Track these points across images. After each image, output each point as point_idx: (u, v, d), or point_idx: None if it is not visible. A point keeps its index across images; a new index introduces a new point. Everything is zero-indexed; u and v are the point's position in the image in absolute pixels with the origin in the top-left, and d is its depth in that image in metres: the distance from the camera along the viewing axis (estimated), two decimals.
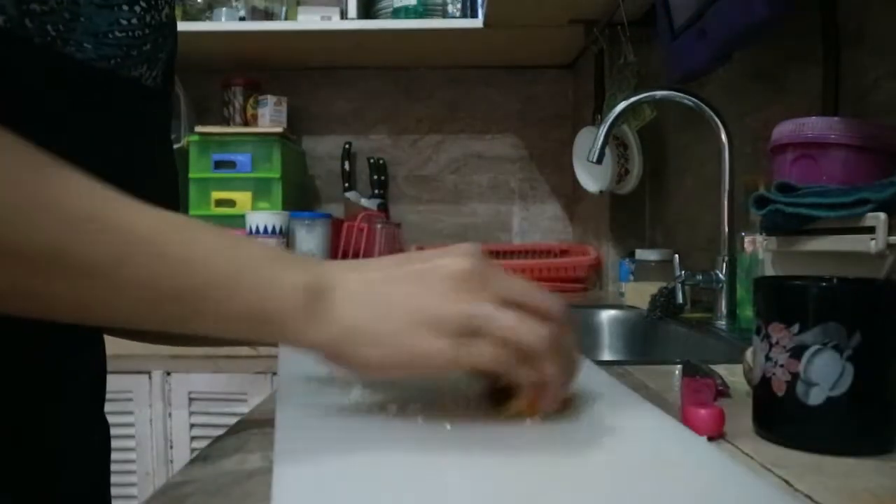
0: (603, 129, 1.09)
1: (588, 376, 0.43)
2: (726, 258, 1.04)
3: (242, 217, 1.75)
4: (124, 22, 0.44)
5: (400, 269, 0.37)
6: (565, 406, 0.39)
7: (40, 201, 0.31)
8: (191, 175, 1.83)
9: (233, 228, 1.83)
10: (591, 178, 1.65)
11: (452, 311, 0.35)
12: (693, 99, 1.07)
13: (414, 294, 0.35)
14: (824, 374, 0.44)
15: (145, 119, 0.49)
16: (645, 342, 1.18)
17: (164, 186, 0.54)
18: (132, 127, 0.47)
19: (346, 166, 2.05)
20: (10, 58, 0.38)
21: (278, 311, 0.34)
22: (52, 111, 0.41)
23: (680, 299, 1.06)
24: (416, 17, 1.76)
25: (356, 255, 1.76)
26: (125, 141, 0.46)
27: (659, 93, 1.12)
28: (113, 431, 0.56)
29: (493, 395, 0.39)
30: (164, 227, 0.34)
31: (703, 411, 0.48)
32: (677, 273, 1.07)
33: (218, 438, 0.47)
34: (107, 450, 0.55)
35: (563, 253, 1.91)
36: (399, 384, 0.41)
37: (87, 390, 0.52)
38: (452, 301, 0.35)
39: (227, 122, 1.95)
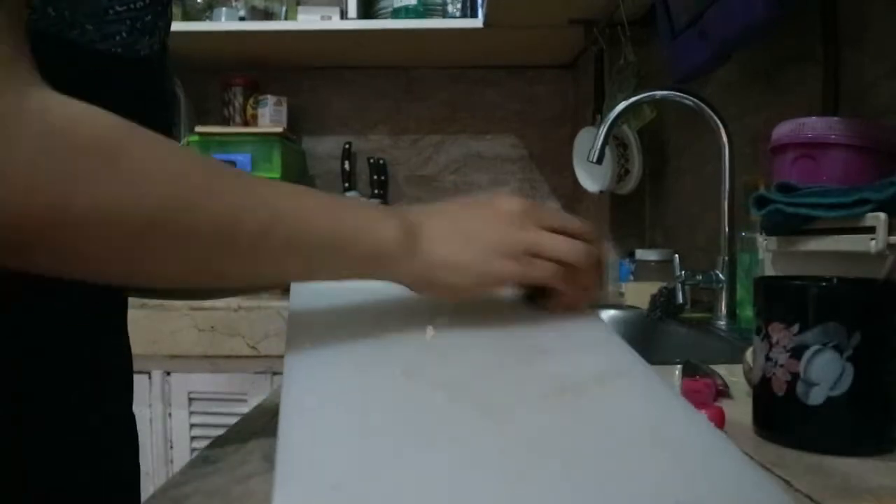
0: (603, 130, 1.09)
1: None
2: (726, 258, 1.04)
3: None
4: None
5: (468, 209, 0.46)
6: (595, 304, 0.49)
7: (199, 186, 0.37)
8: None
9: None
10: (591, 179, 1.65)
11: (516, 239, 0.44)
12: (693, 99, 1.07)
13: (483, 229, 0.45)
14: (824, 374, 0.44)
15: (146, 94, 0.50)
16: (645, 342, 1.18)
17: None
18: (138, 105, 0.48)
19: (347, 166, 2.05)
20: (42, 52, 0.39)
21: (388, 253, 0.42)
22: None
23: (680, 299, 1.06)
24: (416, 17, 1.77)
25: None
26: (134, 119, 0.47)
27: (659, 93, 1.12)
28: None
29: (533, 298, 0.49)
30: (294, 194, 0.40)
31: (703, 411, 0.48)
32: (677, 273, 1.07)
33: (218, 438, 0.47)
34: (134, 444, 0.55)
35: None
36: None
37: (108, 384, 0.52)
38: (514, 231, 0.45)
39: (227, 122, 1.95)
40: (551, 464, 0.31)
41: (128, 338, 0.55)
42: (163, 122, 0.54)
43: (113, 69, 0.45)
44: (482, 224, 0.45)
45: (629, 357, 0.44)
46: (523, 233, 0.45)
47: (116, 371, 0.53)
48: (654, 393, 0.39)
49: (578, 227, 0.47)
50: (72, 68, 0.42)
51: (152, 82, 0.51)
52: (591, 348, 0.45)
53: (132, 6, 0.45)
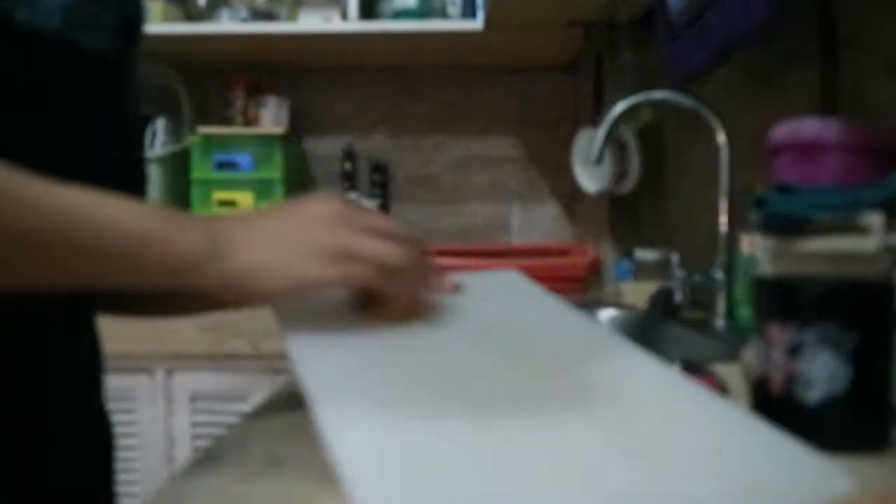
0: (602, 130, 1.09)
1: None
2: (725, 258, 1.04)
3: None
4: None
5: (281, 213, 0.45)
6: (430, 312, 0.48)
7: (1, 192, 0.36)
8: (193, 176, 1.83)
9: None
10: (590, 179, 1.65)
11: (330, 241, 0.43)
12: (692, 99, 1.07)
13: (297, 231, 0.43)
14: (823, 373, 0.44)
15: (89, 86, 0.48)
16: (644, 342, 1.18)
17: (119, 156, 0.54)
18: (73, 94, 0.47)
19: (347, 167, 2.06)
20: None
21: (190, 260, 0.41)
22: None
23: (679, 299, 1.06)
24: (416, 19, 1.77)
25: None
26: (66, 108, 0.46)
27: (658, 94, 1.12)
28: (115, 430, 0.56)
29: (364, 306, 0.47)
30: (95, 199, 0.39)
31: None
32: (676, 273, 1.07)
33: (219, 438, 0.48)
34: (109, 443, 0.55)
35: (563, 253, 1.91)
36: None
37: (81, 382, 0.52)
38: (329, 233, 0.43)
39: (228, 122, 1.96)
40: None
41: (95, 335, 0.54)
42: (124, 124, 0.53)
43: (57, 61, 0.44)
44: (294, 227, 0.44)
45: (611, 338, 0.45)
46: (339, 234, 0.43)
47: (83, 370, 0.52)
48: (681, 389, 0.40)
49: (398, 230, 0.46)
50: (12, 57, 0.41)
51: (108, 82, 0.50)
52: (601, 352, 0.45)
53: None
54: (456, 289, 0.55)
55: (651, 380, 0.41)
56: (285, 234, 0.43)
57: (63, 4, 0.43)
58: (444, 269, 0.58)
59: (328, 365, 0.40)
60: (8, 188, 0.37)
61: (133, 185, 0.54)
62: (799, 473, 0.32)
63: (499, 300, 0.53)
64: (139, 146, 0.59)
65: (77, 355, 0.51)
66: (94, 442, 0.53)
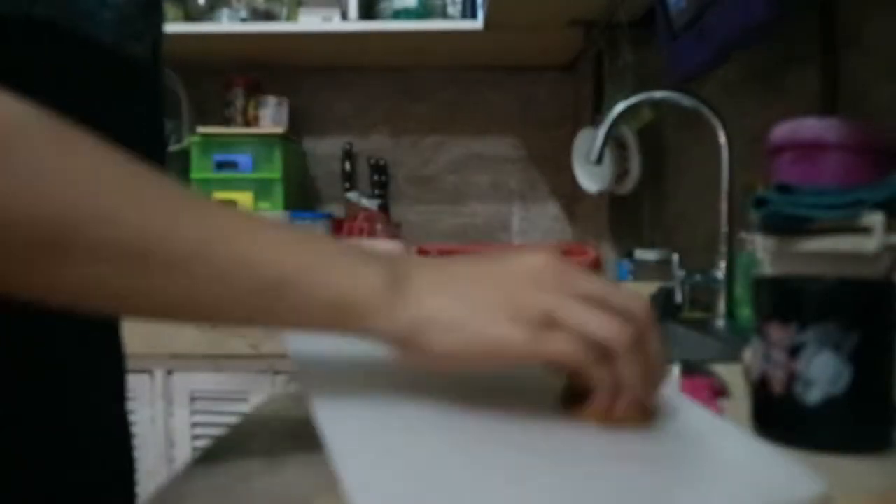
0: (602, 130, 1.09)
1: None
2: (725, 258, 1.04)
3: None
4: (111, 2, 0.44)
5: (477, 263, 0.37)
6: (644, 418, 0.37)
7: (125, 197, 0.32)
8: (192, 175, 1.84)
9: None
10: (590, 179, 1.65)
11: (531, 300, 0.35)
12: (692, 99, 1.07)
13: (491, 284, 0.35)
14: (823, 373, 0.44)
15: (135, 95, 0.48)
16: None
17: (156, 160, 0.53)
18: (123, 104, 0.47)
19: (347, 167, 2.06)
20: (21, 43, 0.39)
21: (358, 301, 0.34)
22: (49, 92, 0.42)
23: (679, 299, 1.07)
24: (416, 19, 1.77)
25: None
26: (117, 118, 0.46)
27: (658, 93, 1.12)
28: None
29: (570, 400, 0.38)
30: (239, 221, 0.34)
31: None
32: (676, 273, 1.07)
33: (219, 438, 0.48)
34: (129, 445, 0.55)
35: (563, 253, 1.91)
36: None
37: (103, 384, 0.52)
38: (531, 292, 0.35)
39: (228, 122, 1.96)
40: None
41: (121, 336, 0.55)
42: (156, 125, 0.54)
43: (107, 69, 0.45)
44: (490, 280, 0.36)
45: None
46: (543, 295, 0.35)
47: (108, 370, 0.53)
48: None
49: (623, 300, 0.36)
50: (65, 63, 0.41)
51: (145, 85, 0.50)
52: None
53: (120, 11, 0.44)
54: None
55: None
56: (483, 287, 0.35)
57: (117, 18, 0.44)
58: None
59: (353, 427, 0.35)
60: (172, 203, 0.32)
61: None
62: (775, 480, 0.31)
63: None
64: (165, 152, 0.59)
65: (97, 357, 0.51)
66: (114, 445, 0.54)
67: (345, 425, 0.35)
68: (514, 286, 0.35)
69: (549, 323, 0.34)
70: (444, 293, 0.35)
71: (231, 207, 0.35)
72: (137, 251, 0.31)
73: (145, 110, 0.51)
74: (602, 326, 0.34)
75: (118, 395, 0.54)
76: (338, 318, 0.34)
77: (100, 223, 0.31)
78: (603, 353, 0.34)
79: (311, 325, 0.35)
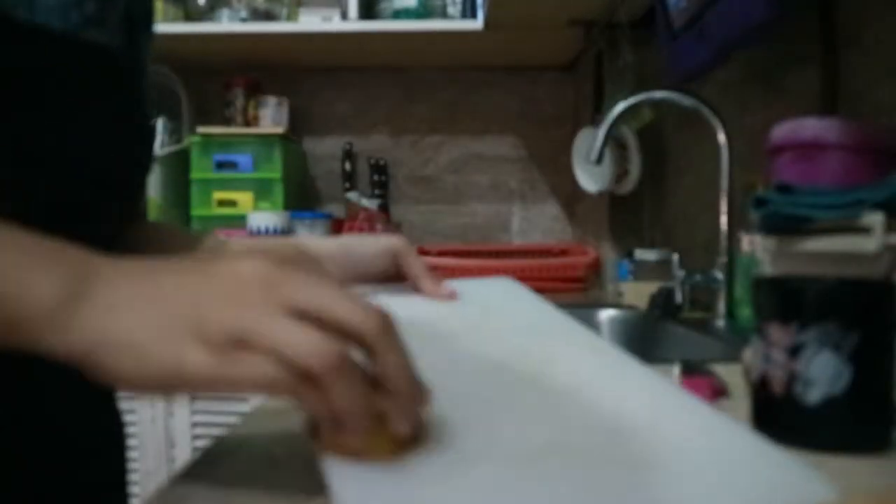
0: (602, 130, 1.09)
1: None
2: (725, 258, 1.04)
3: (244, 217, 1.76)
4: None
5: (179, 273, 0.32)
6: (398, 447, 0.32)
7: None
8: (192, 175, 1.84)
9: (234, 229, 1.82)
10: (590, 179, 1.65)
11: (218, 317, 0.30)
12: (692, 99, 1.07)
13: (185, 300, 0.31)
14: (823, 373, 0.44)
15: (101, 82, 0.46)
16: (644, 342, 1.18)
17: (131, 151, 0.51)
18: (84, 92, 0.45)
19: (347, 167, 2.06)
20: None
21: (24, 315, 0.30)
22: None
23: (679, 299, 1.07)
24: (416, 19, 1.77)
25: None
26: (71, 105, 0.44)
27: (658, 93, 1.12)
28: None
29: (311, 429, 0.34)
30: None
31: None
32: (676, 273, 1.07)
33: (219, 438, 0.48)
34: (122, 442, 0.55)
35: (563, 253, 1.91)
36: None
37: (94, 382, 0.52)
38: (226, 308, 0.30)
39: (228, 122, 1.96)
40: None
41: None
42: (136, 122, 0.52)
43: (66, 60, 0.43)
44: (186, 294, 0.31)
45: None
46: (237, 309, 0.30)
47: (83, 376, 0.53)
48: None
49: (351, 313, 0.30)
50: (21, 57, 0.40)
51: (119, 80, 0.48)
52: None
53: None
54: (453, 297, 0.54)
55: (639, 386, 0.41)
56: (175, 302, 0.31)
57: (61, 3, 0.43)
58: (439, 274, 0.57)
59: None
60: None
61: (129, 189, 0.52)
62: (779, 480, 0.31)
63: (493, 308, 0.53)
64: (148, 148, 0.57)
65: None
66: (108, 443, 0.54)
67: None
68: (209, 301, 0.30)
69: (239, 342, 0.29)
70: (128, 310, 0.31)
71: None
72: None
73: (119, 105, 0.49)
74: (300, 345, 0.29)
75: (109, 394, 0.54)
76: (5, 331, 0.31)
77: None
78: (304, 377, 0.29)
79: None
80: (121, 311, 0.31)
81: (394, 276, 0.59)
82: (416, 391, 0.32)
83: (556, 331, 0.49)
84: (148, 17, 0.53)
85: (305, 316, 0.30)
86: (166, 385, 0.30)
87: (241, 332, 0.29)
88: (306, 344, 0.29)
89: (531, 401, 0.38)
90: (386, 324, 0.31)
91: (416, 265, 0.57)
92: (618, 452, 0.33)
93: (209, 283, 0.31)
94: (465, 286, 0.56)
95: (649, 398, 0.39)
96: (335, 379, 0.29)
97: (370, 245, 0.59)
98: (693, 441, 0.35)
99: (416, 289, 0.57)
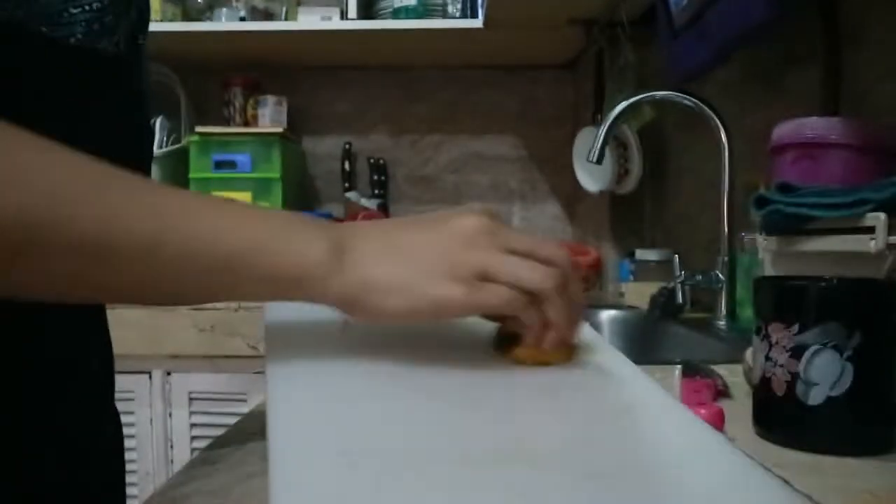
0: (603, 130, 1.09)
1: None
2: (726, 258, 1.04)
3: None
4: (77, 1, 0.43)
5: (417, 225, 0.41)
6: (568, 355, 0.42)
7: (80, 194, 0.33)
8: (191, 175, 1.83)
9: None
10: (591, 179, 1.65)
11: (465, 259, 0.38)
12: (693, 99, 1.07)
13: (429, 246, 0.39)
14: (824, 373, 0.44)
15: (107, 91, 0.47)
16: (645, 342, 1.18)
17: (133, 152, 0.51)
18: (93, 101, 0.46)
19: (347, 166, 2.06)
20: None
21: (307, 271, 0.37)
22: (11, 88, 0.40)
23: (680, 299, 1.06)
24: (416, 17, 1.77)
25: None
26: (86, 113, 0.45)
27: (659, 93, 1.12)
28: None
29: (502, 344, 0.42)
30: (192, 205, 0.37)
31: (702, 411, 0.48)
32: (677, 273, 1.07)
33: (218, 438, 0.47)
34: (120, 443, 0.55)
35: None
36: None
37: (93, 383, 0.52)
38: (465, 251, 0.39)
39: (227, 122, 1.95)
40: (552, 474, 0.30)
41: (108, 336, 0.54)
42: (136, 122, 0.52)
43: (73, 66, 0.44)
44: (427, 242, 0.40)
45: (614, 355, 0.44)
46: (476, 252, 0.39)
47: (96, 371, 0.53)
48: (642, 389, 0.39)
49: (547, 251, 0.40)
50: (28, 62, 0.41)
51: (120, 81, 0.49)
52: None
53: (88, 7, 0.43)
54: None
55: (635, 394, 0.40)
56: (419, 248, 0.39)
57: (85, 18, 0.43)
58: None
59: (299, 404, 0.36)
60: (127, 193, 0.35)
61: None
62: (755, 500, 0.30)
63: None
64: (147, 149, 0.57)
65: (87, 356, 0.51)
66: (106, 444, 0.53)
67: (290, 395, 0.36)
68: (449, 247, 0.39)
69: (484, 277, 0.38)
70: (386, 258, 0.38)
71: (183, 191, 0.37)
72: (98, 246, 0.33)
73: (121, 106, 0.49)
74: (531, 276, 0.39)
75: (107, 394, 0.54)
76: (289, 287, 0.37)
77: (57, 224, 0.32)
78: (532, 298, 0.39)
79: (265, 296, 0.38)
80: (384, 259, 0.38)
81: None
82: (583, 310, 0.43)
83: None
84: (146, 16, 0.53)
85: (520, 254, 0.39)
86: (429, 315, 0.38)
87: (484, 269, 0.38)
88: (535, 274, 0.39)
89: (504, 398, 0.38)
90: (570, 260, 0.41)
91: None
92: (590, 462, 0.31)
93: (449, 235, 0.39)
94: None
95: (636, 405, 0.38)
96: (553, 299, 0.39)
97: None
98: (667, 453, 0.34)
99: None
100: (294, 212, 0.39)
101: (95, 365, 0.52)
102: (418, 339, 0.43)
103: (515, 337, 0.41)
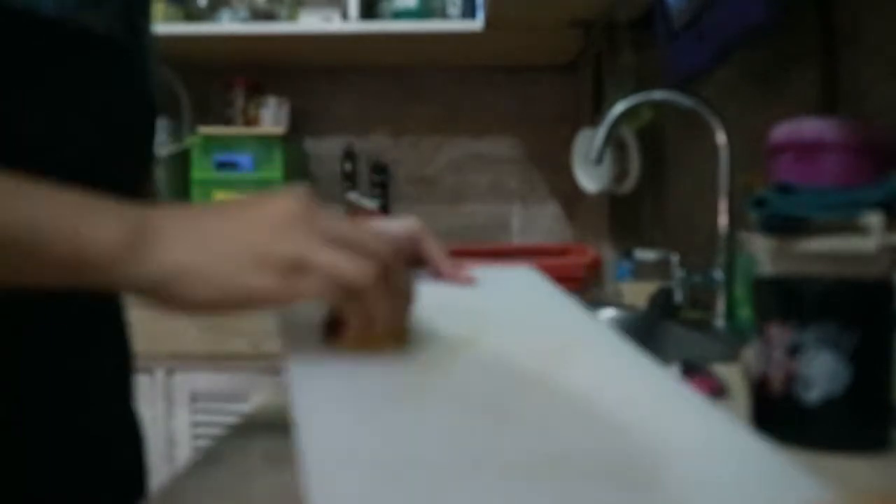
0: (602, 130, 1.09)
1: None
2: (725, 258, 1.04)
3: None
4: None
5: (231, 209, 0.38)
6: (399, 342, 0.41)
7: None
8: (193, 176, 1.84)
9: None
10: (590, 179, 1.65)
11: (278, 249, 0.36)
12: (692, 99, 1.07)
13: (241, 233, 0.37)
14: (823, 373, 0.44)
15: (98, 68, 0.46)
16: (644, 342, 1.18)
17: (125, 136, 0.51)
18: (81, 77, 0.45)
19: (348, 167, 2.06)
20: None
21: (99, 253, 0.35)
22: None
23: (679, 299, 1.07)
24: (416, 19, 1.77)
25: None
26: (74, 91, 0.44)
27: (658, 94, 1.12)
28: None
29: (331, 331, 0.41)
30: None
31: None
32: (676, 273, 1.07)
33: (220, 437, 0.48)
34: (140, 444, 0.55)
35: (563, 253, 1.91)
36: None
37: (106, 386, 0.52)
38: (279, 239, 0.36)
39: (228, 123, 1.96)
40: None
41: (128, 335, 0.55)
42: (136, 122, 0.51)
43: (65, 44, 0.43)
44: (241, 227, 0.37)
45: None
46: (293, 241, 0.36)
47: (115, 369, 0.53)
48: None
49: (367, 240, 0.38)
50: (14, 38, 0.40)
51: (119, 69, 0.48)
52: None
53: None
54: (472, 281, 0.54)
55: (646, 384, 0.41)
56: (229, 234, 0.37)
57: None
58: (460, 261, 0.56)
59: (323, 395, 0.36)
60: None
61: (129, 178, 0.52)
62: (773, 482, 0.31)
63: (511, 300, 0.53)
64: (150, 136, 0.55)
65: (107, 356, 0.51)
66: (127, 443, 0.54)
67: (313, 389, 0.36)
68: (265, 233, 0.37)
69: (297, 268, 0.36)
70: (192, 245, 0.36)
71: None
72: None
73: (117, 84, 0.48)
74: (349, 267, 0.36)
75: (125, 393, 0.54)
76: (80, 270, 0.35)
77: None
78: (351, 290, 0.37)
79: (56, 279, 0.36)
80: (190, 246, 0.36)
81: (410, 261, 0.58)
82: (410, 298, 0.41)
83: (574, 328, 0.49)
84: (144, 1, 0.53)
85: (338, 243, 0.37)
86: (237, 306, 0.36)
87: (299, 259, 0.36)
88: (354, 265, 0.36)
89: (538, 406, 0.38)
90: (393, 248, 0.39)
91: (434, 248, 0.55)
92: (621, 470, 0.32)
93: (262, 220, 0.37)
94: (486, 274, 0.55)
95: (661, 406, 0.39)
96: (374, 291, 0.37)
97: (388, 228, 0.58)
98: (699, 456, 0.34)
99: (434, 272, 0.55)
100: (95, 193, 0.37)
101: (109, 369, 0.52)
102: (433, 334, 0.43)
103: (343, 323, 0.40)
